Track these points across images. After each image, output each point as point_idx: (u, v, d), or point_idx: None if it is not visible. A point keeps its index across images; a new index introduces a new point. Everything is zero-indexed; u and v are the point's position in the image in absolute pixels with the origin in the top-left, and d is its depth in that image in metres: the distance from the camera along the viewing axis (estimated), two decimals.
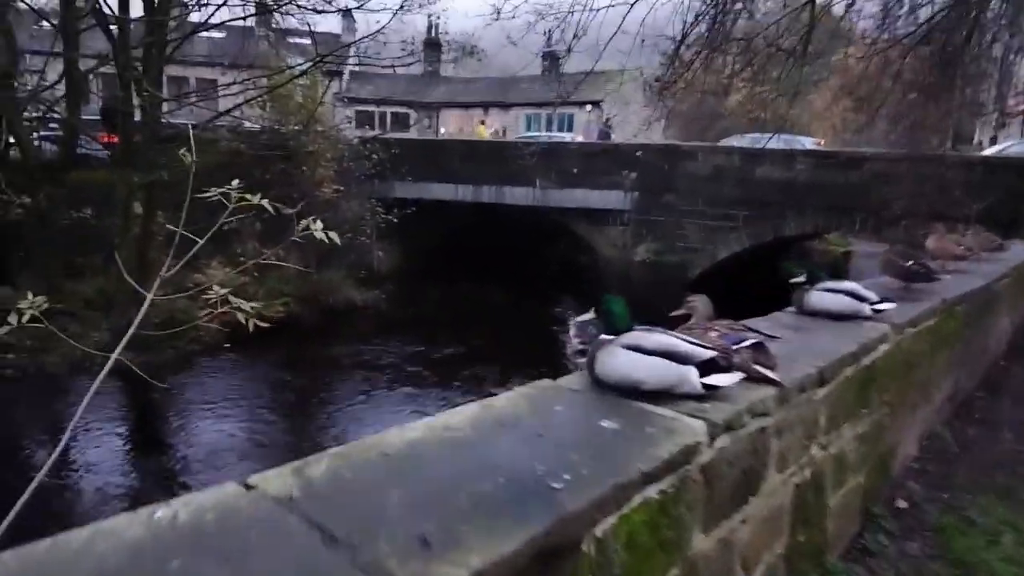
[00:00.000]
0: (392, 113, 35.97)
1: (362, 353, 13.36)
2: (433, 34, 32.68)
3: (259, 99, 13.94)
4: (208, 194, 2.55)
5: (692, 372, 1.81)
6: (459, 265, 19.07)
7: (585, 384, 1.89)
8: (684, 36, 6.57)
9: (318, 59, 12.00)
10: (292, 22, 13.84)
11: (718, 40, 6.78)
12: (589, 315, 2.07)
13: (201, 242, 2.70)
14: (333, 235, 2.41)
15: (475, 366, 12.83)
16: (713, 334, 2.08)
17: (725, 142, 21.79)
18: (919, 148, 13.01)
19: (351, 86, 34.90)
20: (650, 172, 16.84)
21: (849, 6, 6.85)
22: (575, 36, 5.99)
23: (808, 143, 21.57)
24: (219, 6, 11.54)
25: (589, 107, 31.45)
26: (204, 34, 15.23)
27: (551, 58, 34.48)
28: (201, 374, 11.86)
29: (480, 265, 19.18)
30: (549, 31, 6.81)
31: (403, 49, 12.25)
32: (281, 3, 12.52)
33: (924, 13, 8.44)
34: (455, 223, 20.19)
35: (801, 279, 2.87)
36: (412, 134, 33.61)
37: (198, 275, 14.45)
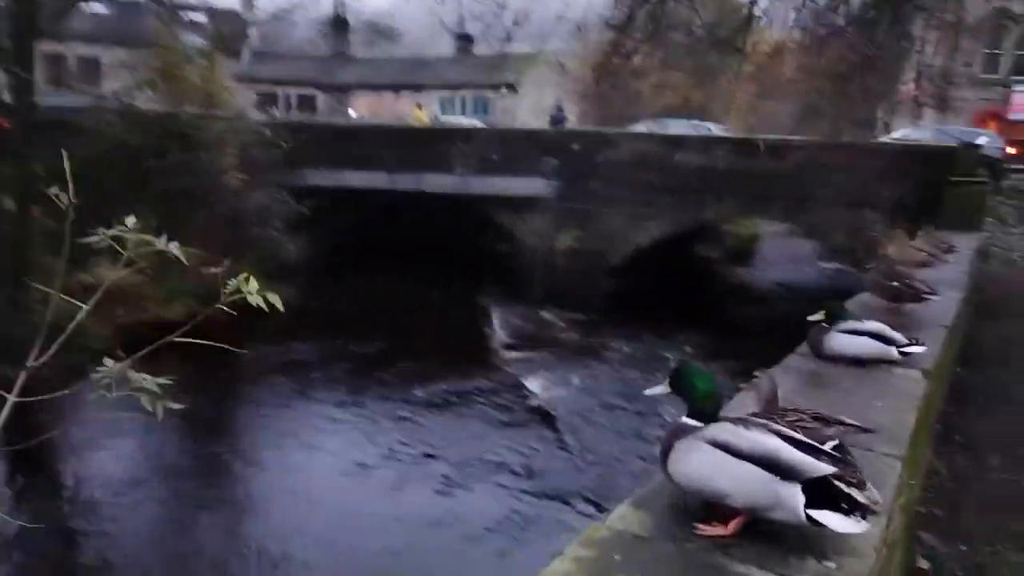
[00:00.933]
0: (298, 95, 34.22)
1: (274, 354, 12.47)
2: (339, 13, 31.27)
3: (151, 81, 12.65)
4: (94, 239, 1.92)
5: (796, 495, 1.36)
6: (376, 256, 18.26)
7: (655, 523, 1.38)
8: (628, 22, 6.19)
9: (218, 42, 10.94)
10: None
11: (659, 29, 6.45)
12: (661, 388, 1.63)
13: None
14: (274, 298, 1.85)
15: (397, 362, 12.24)
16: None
17: (635, 127, 21.86)
18: (832, 136, 13.30)
19: (253, 66, 32.88)
20: (571, 159, 16.59)
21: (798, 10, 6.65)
22: (515, 22, 5.50)
23: (714, 128, 21.95)
24: None
25: (504, 89, 30.96)
26: (85, 7, 13.68)
27: (464, 39, 33.78)
28: (91, 387, 10.65)
29: (398, 256, 18.45)
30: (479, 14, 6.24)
31: (320, 32, 11.29)
32: None
33: (843, 9, 8.40)
34: (371, 212, 19.32)
35: (818, 317, 2.54)
36: (321, 118, 32.14)
37: (85, 276, 13.13)
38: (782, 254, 25.49)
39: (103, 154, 12.54)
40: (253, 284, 1.90)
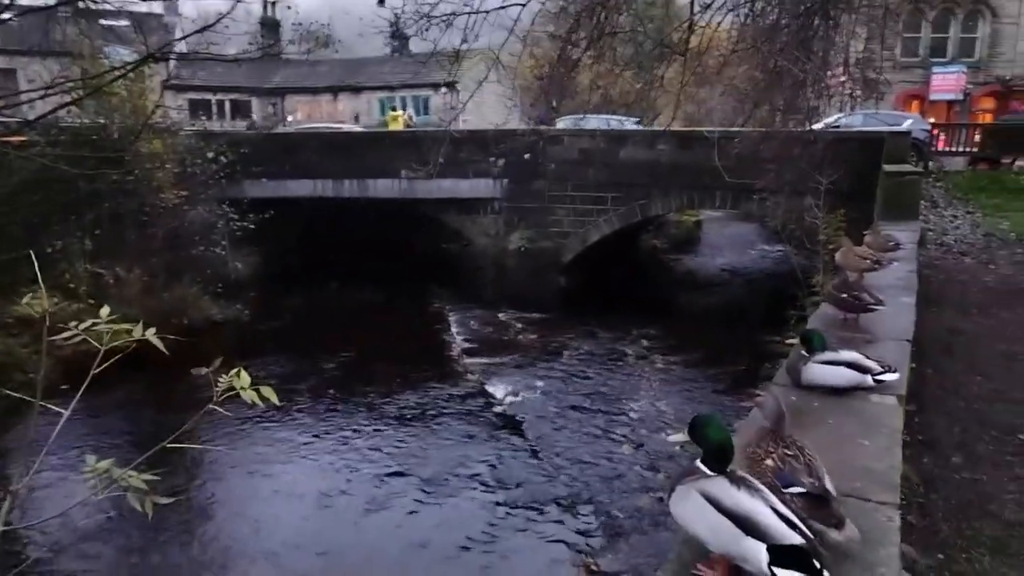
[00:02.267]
0: (231, 101, 33.21)
1: (227, 375, 12.10)
2: (270, 13, 30.41)
3: (76, 100, 12.02)
4: (68, 334, 1.83)
5: (760, 553, 1.51)
6: (326, 266, 17.95)
7: None
8: (571, 33, 6.21)
9: (149, 56, 10.41)
10: (108, 1, 11.95)
11: (603, 36, 6.49)
12: (681, 436, 1.76)
13: None
14: (268, 391, 1.79)
15: (356, 377, 12.08)
16: (768, 463, 1.74)
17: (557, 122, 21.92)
18: (767, 126, 13.61)
19: (181, 72, 31.67)
20: (518, 158, 16.60)
21: (732, 9, 6.78)
22: (464, 40, 5.45)
23: (629, 123, 22.28)
24: None
25: (444, 89, 30.69)
26: None
27: (400, 38, 33.35)
28: (37, 423, 10.14)
29: (349, 264, 18.17)
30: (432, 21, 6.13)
31: (250, 43, 10.93)
32: None
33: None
34: (318, 222, 18.95)
35: (794, 342, 2.61)
36: (256, 122, 31.24)
37: (17, 308, 12.47)
38: (726, 240, 26.19)
39: (30, 178, 11.91)
40: (245, 379, 1.85)
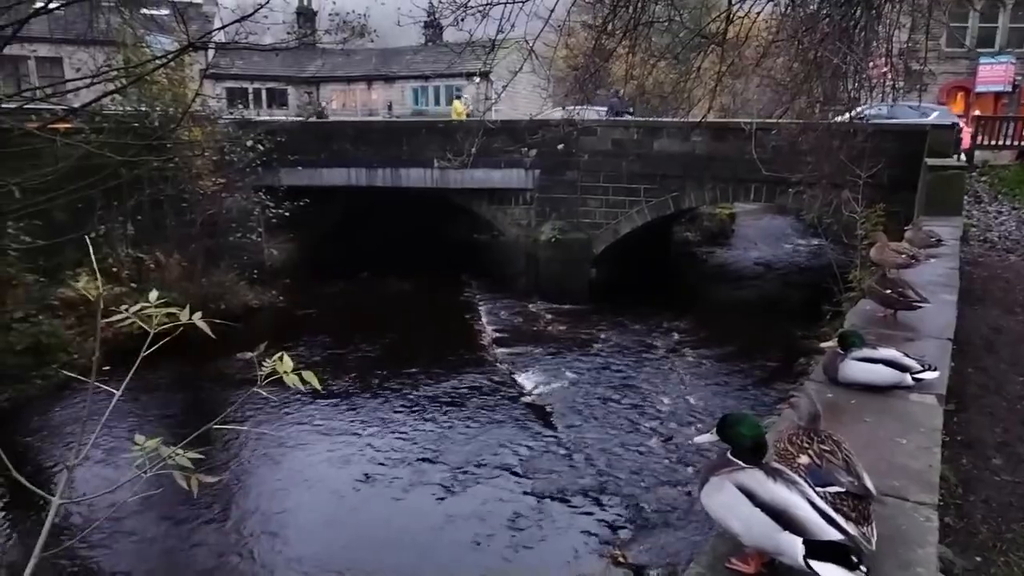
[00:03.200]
0: (267, 89, 33.67)
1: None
2: (306, 3, 30.68)
3: (119, 89, 12.30)
4: (120, 316, 1.90)
5: (796, 546, 1.49)
6: (357, 253, 18.15)
7: None
8: (607, 23, 6.17)
9: (189, 45, 10.60)
10: None
11: (639, 26, 6.44)
12: (709, 436, 1.74)
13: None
14: (309, 375, 1.84)
15: (387, 364, 12.22)
16: (803, 460, 1.73)
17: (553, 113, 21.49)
18: (806, 117, 13.37)
19: (219, 60, 32.22)
20: (550, 149, 16.53)
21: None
22: (499, 31, 5.45)
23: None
24: None
25: (477, 78, 30.68)
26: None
27: (434, 27, 33.37)
28: (76, 406, 10.50)
29: (380, 251, 18.37)
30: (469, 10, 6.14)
31: (289, 32, 11.06)
32: None
33: None
34: (352, 210, 19.16)
35: (831, 344, 2.59)
36: (291, 111, 31.65)
37: (64, 289, 12.86)
38: (760, 233, 25.83)
39: (75, 164, 12.25)
40: (288, 363, 1.90)
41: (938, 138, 11.99)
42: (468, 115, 22.15)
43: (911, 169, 12.48)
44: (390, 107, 32.88)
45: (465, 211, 18.91)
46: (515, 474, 8.37)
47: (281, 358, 1.85)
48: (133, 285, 13.14)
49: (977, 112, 19.97)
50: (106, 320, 1.95)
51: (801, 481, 1.57)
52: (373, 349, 12.92)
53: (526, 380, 11.46)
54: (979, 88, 22.86)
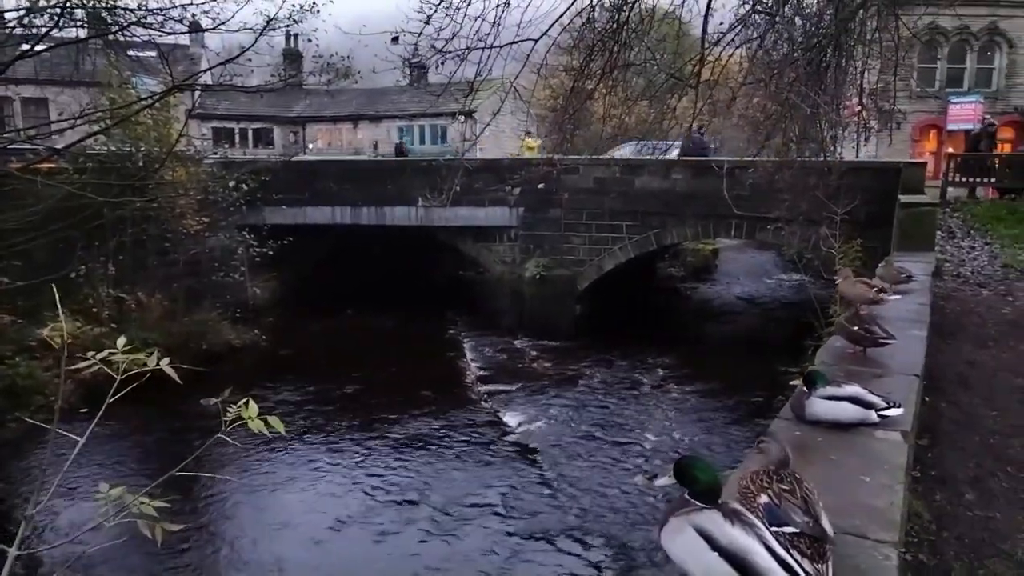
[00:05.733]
0: (254, 129, 33.91)
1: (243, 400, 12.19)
2: (293, 45, 31.05)
3: (104, 130, 12.37)
4: (86, 364, 1.90)
5: None
6: (342, 291, 18.11)
7: None
8: (584, 67, 6.33)
9: (174, 87, 10.74)
10: (136, 34, 12.32)
11: (616, 69, 6.61)
12: (667, 479, 1.75)
13: None
14: (275, 420, 1.84)
15: (371, 403, 12.12)
16: (762, 499, 1.74)
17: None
18: (781, 156, 13.65)
19: (205, 101, 32.45)
20: (533, 187, 16.73)
21: (759, 45, 6.86)
22: (477, 74, 5.57)
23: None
24: (48, 29, 10.00)
25: (462, 118, 31.09)
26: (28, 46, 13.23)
27: (418, 68, 33.91)
28: (53, 449, 10.27)
29: (364, 289, 18.33)
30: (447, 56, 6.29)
31: (271, 75, 11.23)
32: (123, 24, 11.07)
33: (800, 35, 8.73)
34: (336, 248, 19.19)
35: (796, 382, 2.63)
36: (277, 151, 31.85)
37: (42, 330, 12.70)
38: (743, 269, 26.09)
39: (56, 205, 12.23)
40: (253, 409, 1.90)
41: (912, 175, 12.28)
42: (538, 150, 21.56)
43: (887, 205, 12.74)
44: (376, 146, 33.19)
45: (450, 249, 18.99)
46: (498, 514, 8.27)
47: (247, 403, 1.85)
48: (113, 325, 13.01)
49: (950, 149, 20.48)
50: (73, 367, 1.95)
51: (759, 524, 1.58)
52: (355, 388, 12.82)
53: (510, 418, 11.40)
54: (950, 127, 23.47)
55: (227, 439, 1.85)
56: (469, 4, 4.94)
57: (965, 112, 23.14)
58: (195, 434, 10.68)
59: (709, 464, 1.68)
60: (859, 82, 12.18)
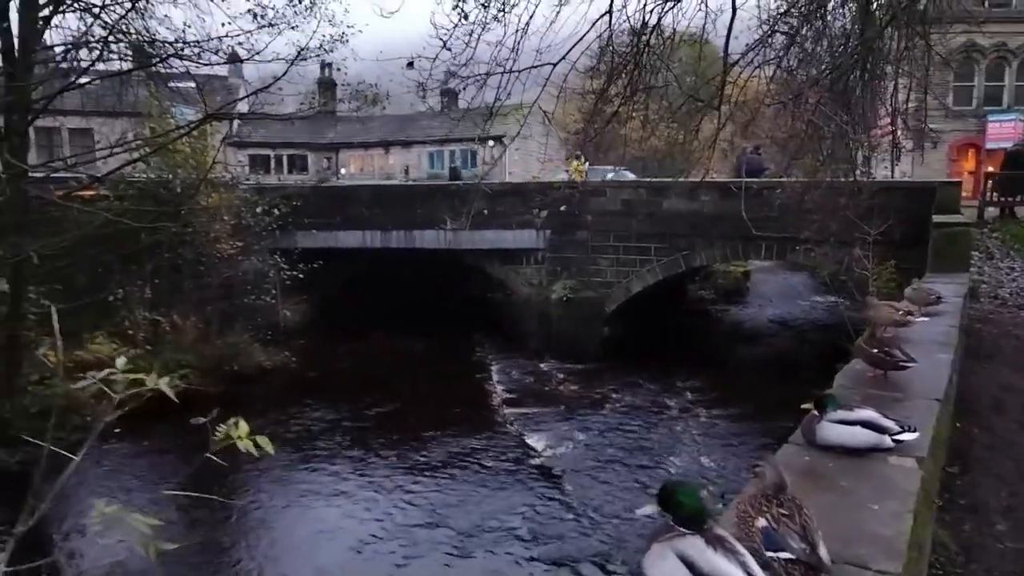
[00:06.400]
0: (288, 156, 34.70)
1: (276, 424, 12.33)
2: (327, 74, 31.85)
3: (142, 157, 12.78)
4: (83, 383, 1.94)
5: None
6: (371, 313, 18.29)
7: None
8: (604, 91, 6.35)
9: (208, 117, 11.09)
10: (174, 66, 12.80)
11: (637, 92, 6.63)
12: (651, 508, 1.69)
13: None
14: (264, 441, 1.85)
15: (397, 425, 12.15)
16: (760, 523, 1.69)
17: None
18: (811, 176, 13.48)
19: (242, 129, 33.43)
20: (561, 210, 16.77)
21: (777, 65, 6.83)
22: (497, 99, 5.63)
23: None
24: (92, 63, 10.45)
25: (492, 142, 31.41)
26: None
27: (449, 94, 34.43)
28: (88, 468, 10.49)
29: (393, 311, 18.49)
30: (467, 81, 6.39)
31: (301, 103, 11.53)
32: (163, 56, 11.50)
33: (827, 55, 8.66)
34: (366, 272, 19.43)
35: (808, 406, 2.57)
36: (311, 176, 32.50)
37: (80, 352, 13.05)
38: (775, 291, 25.67)
39: (97, 230, 12.64)
40: (243, 428, 1.92)
41: (946, 195, 12.01)
42: (583, 174, 21.30)
43: (922, 226, 12.45)
44: (407, 171, 33.67)
45: (478, 271, 19.08)
46: (521, 539, 8.18)
47: (237, 423, 1.87)
48: (148, 348, 13.35)
49: (989, 168, 19.99)
50: (74, 386, 2.00)
51: (742, 551, 1.54)
52: (382, 410, 12.87)
53: (536, 441, 11.31)
54: (989, 145, 22.95)
55: (215, 459, 1.87)
56: (484, 29, 5.02)
57: (1005, 130, 22.62)
58: (222, 453, 10.79)
59: (694, 489, 1.64)
60: (890, 102, 12.02)
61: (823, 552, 1.62)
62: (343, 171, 34.57)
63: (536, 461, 10.62)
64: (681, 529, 1.59)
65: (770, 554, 1.62)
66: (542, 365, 15.89)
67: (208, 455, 1.87)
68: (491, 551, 8.03)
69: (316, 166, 34.91)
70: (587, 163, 21.00)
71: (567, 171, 21.74)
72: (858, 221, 12.75)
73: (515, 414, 12.79)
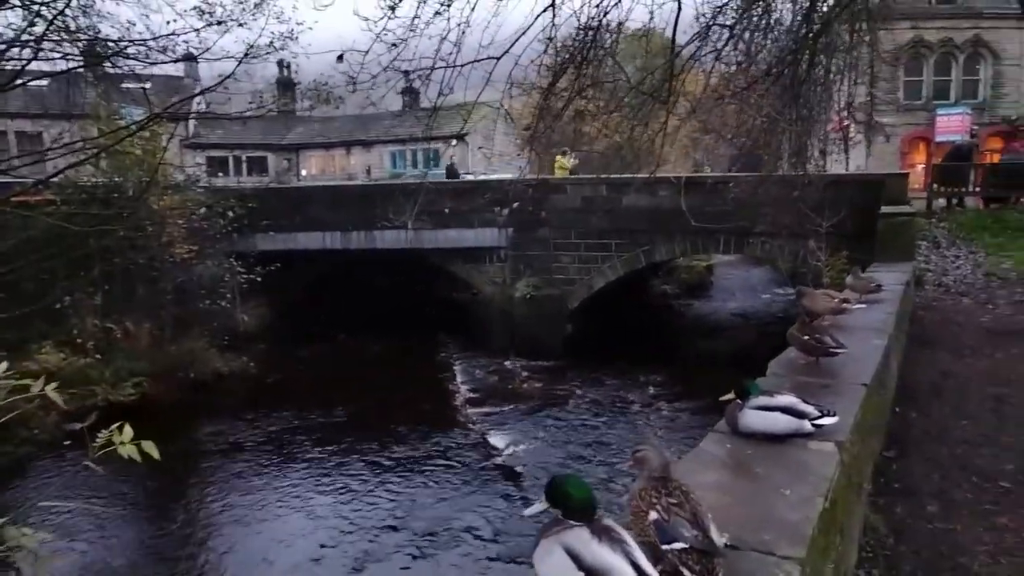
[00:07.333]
0: (248, 157, 34.12)
1: (233, 431, 12.11)
2: (286, 74, 31.35)
3: (92, 158, 12.40)
4: None
5: None
6: (333, 315, 18.06)
7: None
8: (551, 86, 6.33)
9: (153, 116, 10.81)
10: (121, 66, 12.43)
11: (584, 87, 6.62)
12: (540, 506, 1.69)
13: None
14: (149, 446, 1.78)
15: (359, 427, 12.01)
16: (652, 516, 1.67)
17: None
18: (767, 169, 13.67)
19: (199, 131, 32.76)
20: (522, 207, 16.75)
21: (715, 57, 6.88)
22: (440, 94, 5.57)
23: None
24: (28, 61, 10.08)
25: (454, 141, 31.26)
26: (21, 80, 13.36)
27: (411, 94, 34.20)
28: (38, 482, 10.20)
29: (356, 313, 18.28)
30: (410, 76, 6.34)
31: (250, 102, 11.28)
32: (107, 54, 11.16)
33: (774, 49, 8.77)
34: (326, 273, 19.18)
35: (730, 396, 2.57)
36: (271, 178, 31.98)
37: (28, 362, 12.62)
38: (737, 284, 26.01)
39: (41, 235, 12.24)
40: (127, 433, 1.83)
41: (894, 186, 12.28)
42: (572, 170, 20.74)
43: (873, 217, 12.72)
44: (369, 171, 33.37)
45: (441, 271, 18.96)
46: (482, 539, 8.14)
47: (120, 428, 1.79)
48: (99, 356, 12.98)
49: (936, 161, 20.53)
50: None
51: (628, 540, 1.52)
52: (343, 414, 12.71)
53: (498, 440, 11.27)
54: (939, 138, 23.54)
55: (93, 466, 1.78)
56: (423, 21, 4.95)
57: (953, 123, 23.23)
58: (187, 460, 10.59)
59: (580, 480, 1.62)
60: (837, 96, 12.26)
61: (715, 536, 1.61)
62: (303, 172, 34.11)
63: (498, 460, 10.58)
64: (569, 522, 1.56)
65: (665, 547, 1.60)
66: (506, 364, 15.86)
67: (87, 464, 1.79)
68: (451, 551, 7.97)
69: (276, 167, 34.38)
70: (573, 159, 20.80)
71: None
72: (811, 213, 13.00)
73: (478, 414, 12.73)
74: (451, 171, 27.57)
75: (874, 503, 3.35)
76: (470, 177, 25.05)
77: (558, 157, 20.38)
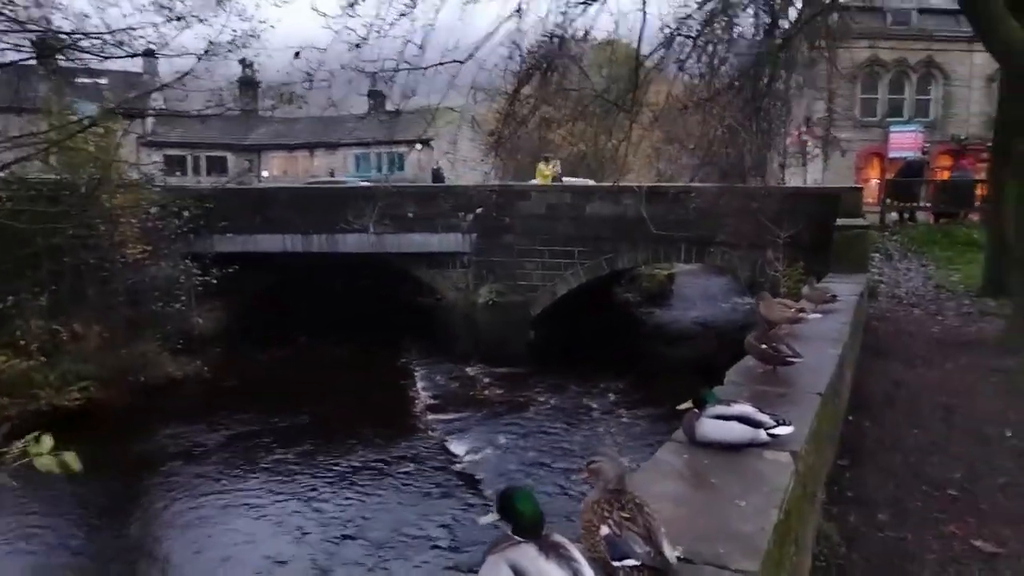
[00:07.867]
0: (207, 157, 33.40)
1: (186, 437, 11.77)
2: (248, 73, 30.81)
3: (40, 153, 11.97)
4: None
5: None
6: (294, 320, 17.75)
7: None
8: (516, 91, 6.31)
9: (105, 111, 10.49)
10: (74, 60, 12.03)
11: (550, 94, 6.62)
12: (492, 516, 1.62)
13: None
14: (71, 457, 1.67)
15: (317, 433, 11.78)
16: (603, 531, 1.62)
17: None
18: (728, 180, 13.88)
19: (157, 128, 31.95)
20: (487, 213, 16.72)
21: (679, 68, 6.95)
22: (404, 96, 5.50)
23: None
24: None
25: (419, 145, 31.13)
26: None
27: (376, 96, 33.94)
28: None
29: (318, 317, 17.99)
30: (374, 78, 6.25)
31: (209, 100, 11.04)
32: (59, 46, 10.80)
33: (736, 62, 8.91)
34: (286, 276, 18.83)
35: (687, 405, 2.55)
36: (230, 179, 31.36)
37: None
38: (698, 293, 26.37)
39: None
40: (46, 443, 1.72)
41: (850, 200, 12.58)
42: (555, 177, 20.22)
43: (829, 230, 13.00)
44: (332, 174, 32.97)
45: (404, 275, 18.79)
46: (439, 547, 8.03)
47: (38, 438, 1.68)
48: (44, 358, 12.50)
49: (888, 176, 21.16)
50: None
51: (577, 556, 1.47)
52: (300, 419, 12.46)
53: (458, 447, 11.17)
54: (892, 154, 24.30)
55: (7, 479, 1.67)
56: (379, 18, 4.88)
57: (906, 140, 24.00)
58: (138, 467, 10.25)
59: (530, 493, 1.57)
60: (796, 111, 12.53)
61: (668, 552, 1.57)
62: (264, 173, 33.55)
63: (457, 467, 10.48)
64: (516, 538, 1.51)
65: (616, 563, 1.55)
66: (468, 370, 15.76)
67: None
68: (409, 559, 7.85)
69: (236, 168, 33.73)
70: (555, 166, 20.58)
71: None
72: (770, 224, 13.25)
73: (438, 420, 12.62)
74: (437, 175, 27.50)
75: (827, 511, 3.38)
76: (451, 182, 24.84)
77: (539, 165, 20.39)
